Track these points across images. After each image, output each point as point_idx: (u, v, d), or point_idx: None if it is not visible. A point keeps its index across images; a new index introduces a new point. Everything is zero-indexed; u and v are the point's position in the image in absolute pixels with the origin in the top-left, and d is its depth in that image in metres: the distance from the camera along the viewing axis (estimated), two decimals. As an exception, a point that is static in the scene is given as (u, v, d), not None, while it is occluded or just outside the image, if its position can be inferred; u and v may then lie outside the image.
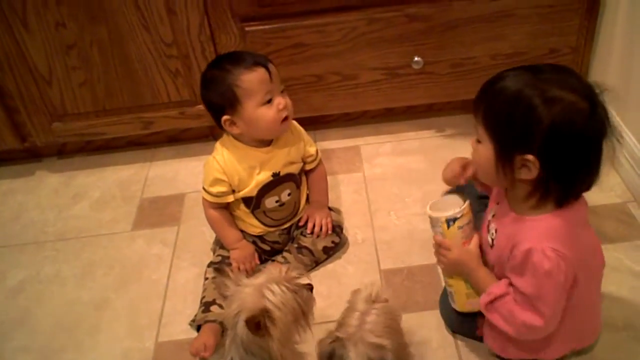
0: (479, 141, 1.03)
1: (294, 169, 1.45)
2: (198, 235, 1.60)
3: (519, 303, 1.03)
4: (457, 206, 1.11)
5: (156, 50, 1.65)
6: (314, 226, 1.46)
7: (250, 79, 1.29)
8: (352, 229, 1.58)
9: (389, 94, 1.78)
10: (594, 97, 0.94)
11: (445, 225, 1.11)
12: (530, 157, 0.95)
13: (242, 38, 1.65)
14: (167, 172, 1.86)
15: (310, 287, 1.15)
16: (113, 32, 1.61)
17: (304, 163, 1.49)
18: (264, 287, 1.05)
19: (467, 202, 1.12)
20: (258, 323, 1.01)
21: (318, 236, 1.46)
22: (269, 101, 1.32)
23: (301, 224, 1.48)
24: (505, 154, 0.98)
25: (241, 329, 1.04)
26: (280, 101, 1.33)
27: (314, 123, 1.95)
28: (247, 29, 1.63)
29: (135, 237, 1.63)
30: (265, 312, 1.02)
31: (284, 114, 1.34)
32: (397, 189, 1.69)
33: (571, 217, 1.01)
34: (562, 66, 1.01)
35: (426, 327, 1.30)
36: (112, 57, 1.66)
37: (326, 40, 1.66)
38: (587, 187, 1.01)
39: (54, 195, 1.82)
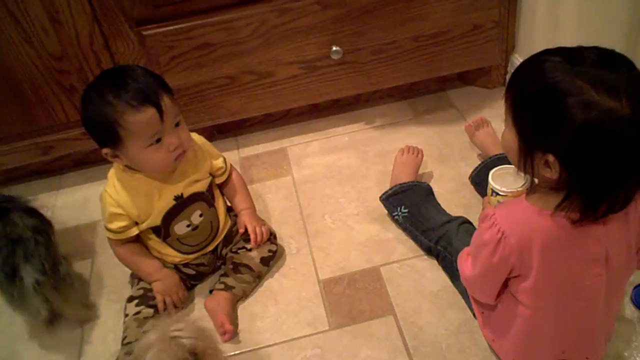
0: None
1: (200, 186, 1.28)
2: (115, 267, 1.41)
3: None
4: (513, 184, 1.21)
5: (44, 67, 1.48)
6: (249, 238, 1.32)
7: (135, 121, 1.10)
8: (286, 239, 1.45)
9: (311, 89, 1.65)
10: None
11: (490, 192, 1.25)
12: (550, 157, 0.84)
13: (141, 44, 1.49)
14: (77, 200, 1.68)
15: None
16: (-9, 50, 1.43)
17: (214, 177, 1.34)
18: None
19: (520, 189, 1.19)
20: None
21: (258, 245, 1.32)
22: (158, 140, 1.14)
23: (241, 231, 1.32)
24: (527, 148, 0.88)
25: None
26: (172, 141, 1.15)
27: (234, 128, 1.81)
28: (144, 33, 1.47)
29: (43, 276, 1.45)
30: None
31: (176, 154, 1.17)
32: (329, 189, 1.57)
33: (563, 229, 0.90)
34: (609, 55, 0.83)
35: (375, 337, 1.20)
36: (-5, 79, 1.48)
37: (235, 38, 1.52)
38: (617, 206, 0.87)
39: (-51, 241, 1.62)
